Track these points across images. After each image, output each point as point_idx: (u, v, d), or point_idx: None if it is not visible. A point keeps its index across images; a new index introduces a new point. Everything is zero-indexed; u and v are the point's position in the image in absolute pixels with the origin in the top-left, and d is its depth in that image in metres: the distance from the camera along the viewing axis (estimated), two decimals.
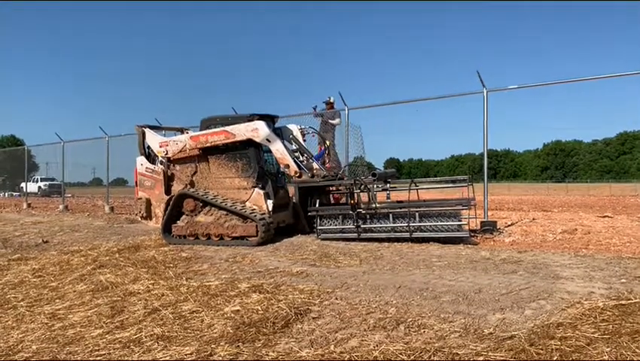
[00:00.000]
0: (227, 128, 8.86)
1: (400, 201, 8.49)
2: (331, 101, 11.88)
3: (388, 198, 8.66)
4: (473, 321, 3.92)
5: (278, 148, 8.79)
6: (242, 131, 8.73)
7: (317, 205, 8.80)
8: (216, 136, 8.92)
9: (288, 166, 8.81)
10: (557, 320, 3.83)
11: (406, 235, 8.00)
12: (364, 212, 8.28)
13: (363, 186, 8.39)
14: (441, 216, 7.96)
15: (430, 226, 7.99)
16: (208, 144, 8.99)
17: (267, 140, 8.72)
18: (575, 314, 3.93)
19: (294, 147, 9.39)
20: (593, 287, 4.78)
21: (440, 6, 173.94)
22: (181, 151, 9.25)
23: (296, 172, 8.72)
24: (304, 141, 9.71)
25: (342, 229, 8.49)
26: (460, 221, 7.89)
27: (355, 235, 8.32)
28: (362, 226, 8.31)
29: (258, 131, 8.66)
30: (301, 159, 9.20)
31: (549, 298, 4.45)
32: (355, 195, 8.39)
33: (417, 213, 7.99)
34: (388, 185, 8.67)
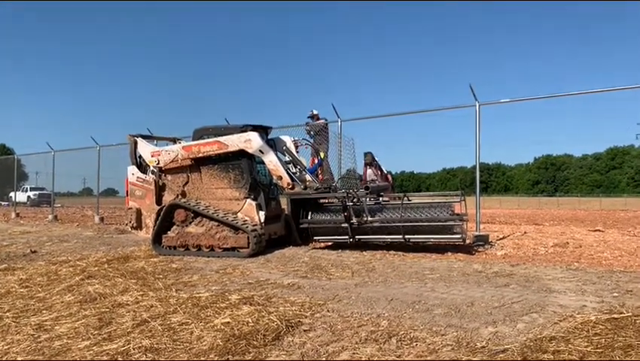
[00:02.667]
0: (220, 138, 8.83)
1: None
2: (315, 113, 11.88)
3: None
4: (466, 334, 3.88)
5: (271, 159, 8.76)
6: (235, 141, 8.70)
7: (309, 217, 8.80)
8: (209, 146, 8.88)
9: (280, 178, 8.77)
10: (550, 333, 3.81)
11: (400, 238, 8.21)
12: (357, 225, 8.27)
13: (355, 199, 8.38)
14: (434, 230, 8.04)
15: (426, 240, 8.20)
16: (200, 155, 8.95)
17: (260, 151, 8.69)
18: (568, 328, 3.91)
19: (287, 159, 9.37)
20: (585, 301, 4.78)
21: (437, 17, 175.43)
22: (173, 161, 9.20)
23: (288, 184, 8.69)
24: (297, 152, 9.70)
25: (334, 236, 8.65)
26: (453, 233, 7.96)
27: (349, 239, 8.46)
28: (356, 236, 8.36)
29: (251, 142, 8.63)
30: (294, 170, 9.18)
31: (541, 312, 4.43)
32: (349, 207, 8.38)
33: (408, 230, 8.08)
34: (380, 199, 8.67)
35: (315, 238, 8.97)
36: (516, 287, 5.46)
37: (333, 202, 9.13)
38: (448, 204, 8.30)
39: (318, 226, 8.73)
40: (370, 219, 8.25)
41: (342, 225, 8.38)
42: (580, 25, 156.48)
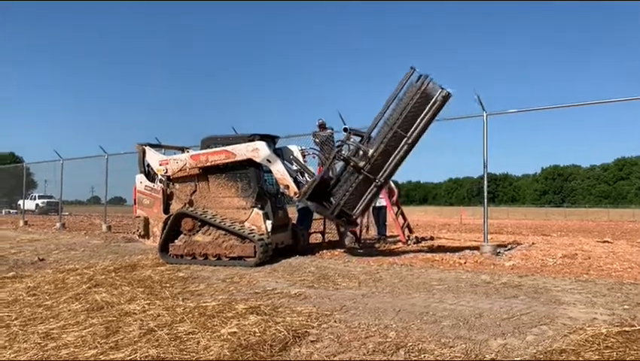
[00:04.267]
0: (228, 147, 8.85)
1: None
2: (322, 122, 11.85)
3: None
4: (475, 346, 3.85)
5: (278, 169, 8.76)
6: (242, 151, 8.73)
7: (333, 201, 8.61)
8: (217, 155, 8.91)
9: (287, 187, 8.76)
10: (560, 346, 3.77)
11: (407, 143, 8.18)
12: (369, 165, 8.21)
13: (346, 147, 8.42)
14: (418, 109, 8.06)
15: (422, 123, 8.11)
16: (208, 163, 8.97)
17: (268, 160, 8.70)
18: (578, 341, 3.86)
19: (295, 168, 9.35)
20: (595, 313, 4.73)
21: (444, 26, 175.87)
22: (181, 170, 9.22)
23: (295, 193, 8.67)
24: (305, 161, 9.69)
25: (365, 196, 8.46)
26: (433, 96, 7.98)
27: (376, 181, 8.35)
28: (378, 176, 8.29)
29: (259, 151, 8.65)
30: (300, 179, 9.16)
31: (551, 324, 4.38)
32: (350, 158, 8.36)
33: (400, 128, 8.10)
34: (363, 137, 8.62)
35: (353, 213, 8.60)
36: (525, 299, 5.42)
37: (339, 179, 8.89)
38: (411, 84, 8.18)
39: (346, 200, 8.47)
40: (372, 151, 8.17)
41: (359, 178, 8.27)
42: (588, 33, 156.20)
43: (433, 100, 8.00)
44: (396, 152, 8.25)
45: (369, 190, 8.45)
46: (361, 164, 8.23)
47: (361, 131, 9.00)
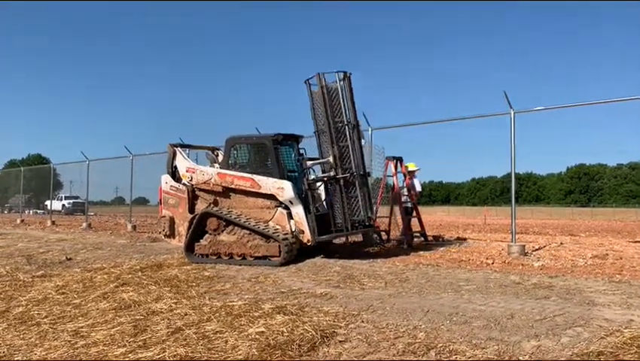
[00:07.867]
0: (255, 177, 8.82)
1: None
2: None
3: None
4: (507, 348, 3.76)
5: (298, 212, 8.66)
6: (268, 185, 8.72)
7: (339, 219, 8.61)
8: (243, 181, 8.93)
9: (302, 232, 8.67)
10: (597, 348, 3.65)
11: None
12: (339, 169, 8.50)
13: (309, 173, 8.95)
14: None
15: (348, 105, 8.65)
16: (233, 186, 9.03)
17: (290, 201, 8.64)
18: (616, 343, 3.74)
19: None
20: (632, 315, 4.59)
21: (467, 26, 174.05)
22: (205, 183, 9.28)
23: (308, 240, 8.58)
24: None
25: (358, 195, 8.60)
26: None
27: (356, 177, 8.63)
28: (352, 172, 8.54)
29: (284, 190, 8.61)
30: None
31: (586, 326, 4.27)
32: (321, 175, 8.85)
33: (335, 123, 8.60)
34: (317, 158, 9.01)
35: (362, 217, 8.63)
36: (557, 300, 5.29)
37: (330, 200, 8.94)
38: (313, 92, 8.81)
39: (348, 211, 8.51)
40: (331, 158, 8.51)
41: (340, 184, 8.50)
42: (616, 28, 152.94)
43: (339, 87, 8.57)
44: (350, 142, 8.59)
45: (356, 188, 8.60)
46: (332, 173, 8.53)
47: (312, 157, 9.39)
